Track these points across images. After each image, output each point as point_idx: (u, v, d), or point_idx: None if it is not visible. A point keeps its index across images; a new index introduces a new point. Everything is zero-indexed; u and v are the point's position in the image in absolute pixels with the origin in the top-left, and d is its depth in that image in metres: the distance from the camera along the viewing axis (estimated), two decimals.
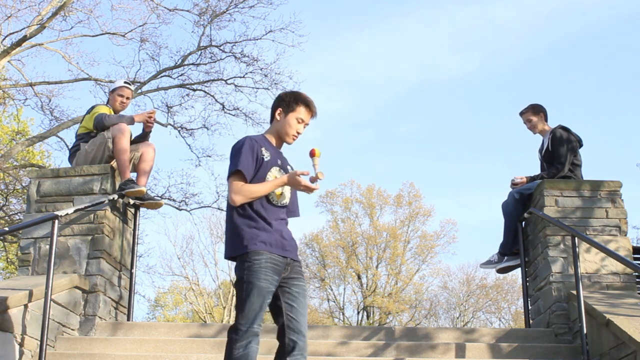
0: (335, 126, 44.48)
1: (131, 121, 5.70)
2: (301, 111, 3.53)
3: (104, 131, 5.61)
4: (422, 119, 46.01)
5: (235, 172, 3.35)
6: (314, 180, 3.37)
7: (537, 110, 6.07)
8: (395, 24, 42.91)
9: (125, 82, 6.01)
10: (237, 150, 3.40)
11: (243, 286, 3.23)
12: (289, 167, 3.60)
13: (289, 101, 3.54)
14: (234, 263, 3.40)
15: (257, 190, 3.34)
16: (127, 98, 5.95)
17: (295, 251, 3.46)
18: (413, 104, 45.22)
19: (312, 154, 3.43)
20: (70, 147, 6.37)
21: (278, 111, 3.54)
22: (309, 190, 3.36)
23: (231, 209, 3.40)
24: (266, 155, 3.45)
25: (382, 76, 43.86)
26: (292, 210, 3.61)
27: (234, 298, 27.39)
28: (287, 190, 3.50)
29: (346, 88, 43.54)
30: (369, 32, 44.02)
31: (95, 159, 5.62)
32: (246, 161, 3.36)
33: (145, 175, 5.72)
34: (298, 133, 3.55)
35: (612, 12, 42.82)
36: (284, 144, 3.63)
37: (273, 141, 3.57)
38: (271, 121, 3.61)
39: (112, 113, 5.84)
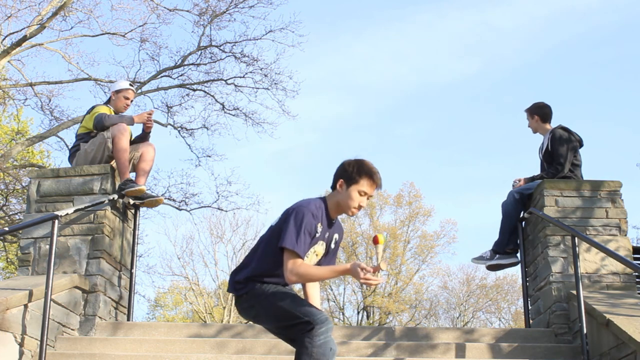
0: (335, 129, 44.51)
1: (131, 121, 5.71)
2: (364, 184, 3.23)
3: (103, 131, 5.61)
4: (422, 122, 46.02)
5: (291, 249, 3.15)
6: (375, 270, 3.02)
7: (532, 113, 6.09)
8: (396, 28, 42.94)
9: (130, 84, 6.03)
10: (298, 222, 3.16)
11: (272, 307, 3.18)
12: (336, 236, 3.41)
13: (351, 172, 3.26)
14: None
15: (314, 274, 3.14)
16: (131, 100, 5.99)
17: None
18: (413, 107, 45.22)
19: (375, 242, 3.11)
20: (70, 147, 6.37)
21: (340, 182, 3.28)
22: (368, 284, 3.04)
23: (263, 253, 3.29)
24: (319, 232, 3.24)
25: (383, 79, 43.87)
26: (328, 263, 3.47)
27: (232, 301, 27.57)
28: (322, 251, 3.34)
29: (346, 91, 43.47)
30: (369, 35, 44.01)
31: (95, 159, 5.62)
32: (304, 242, 3.15)
33: (145, 175, 5.71)
34: (360, 206, 3.27)
35: (611, 14, 42.86)
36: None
37: (332, 211, 3.33)
38: (332, 188, 3.34)
39: (113, 113, 5.85)
